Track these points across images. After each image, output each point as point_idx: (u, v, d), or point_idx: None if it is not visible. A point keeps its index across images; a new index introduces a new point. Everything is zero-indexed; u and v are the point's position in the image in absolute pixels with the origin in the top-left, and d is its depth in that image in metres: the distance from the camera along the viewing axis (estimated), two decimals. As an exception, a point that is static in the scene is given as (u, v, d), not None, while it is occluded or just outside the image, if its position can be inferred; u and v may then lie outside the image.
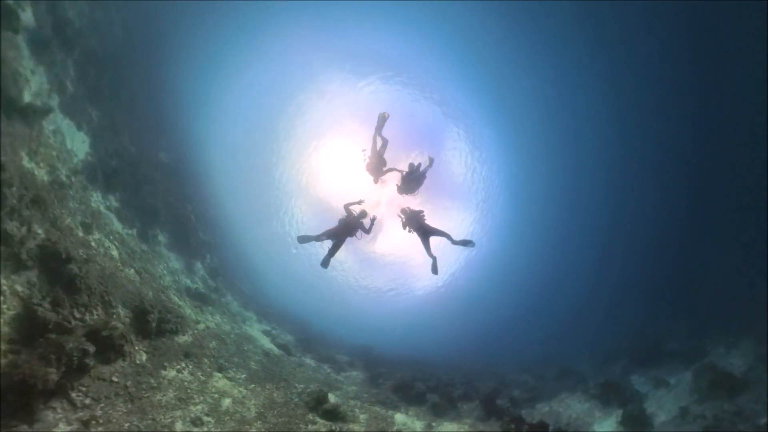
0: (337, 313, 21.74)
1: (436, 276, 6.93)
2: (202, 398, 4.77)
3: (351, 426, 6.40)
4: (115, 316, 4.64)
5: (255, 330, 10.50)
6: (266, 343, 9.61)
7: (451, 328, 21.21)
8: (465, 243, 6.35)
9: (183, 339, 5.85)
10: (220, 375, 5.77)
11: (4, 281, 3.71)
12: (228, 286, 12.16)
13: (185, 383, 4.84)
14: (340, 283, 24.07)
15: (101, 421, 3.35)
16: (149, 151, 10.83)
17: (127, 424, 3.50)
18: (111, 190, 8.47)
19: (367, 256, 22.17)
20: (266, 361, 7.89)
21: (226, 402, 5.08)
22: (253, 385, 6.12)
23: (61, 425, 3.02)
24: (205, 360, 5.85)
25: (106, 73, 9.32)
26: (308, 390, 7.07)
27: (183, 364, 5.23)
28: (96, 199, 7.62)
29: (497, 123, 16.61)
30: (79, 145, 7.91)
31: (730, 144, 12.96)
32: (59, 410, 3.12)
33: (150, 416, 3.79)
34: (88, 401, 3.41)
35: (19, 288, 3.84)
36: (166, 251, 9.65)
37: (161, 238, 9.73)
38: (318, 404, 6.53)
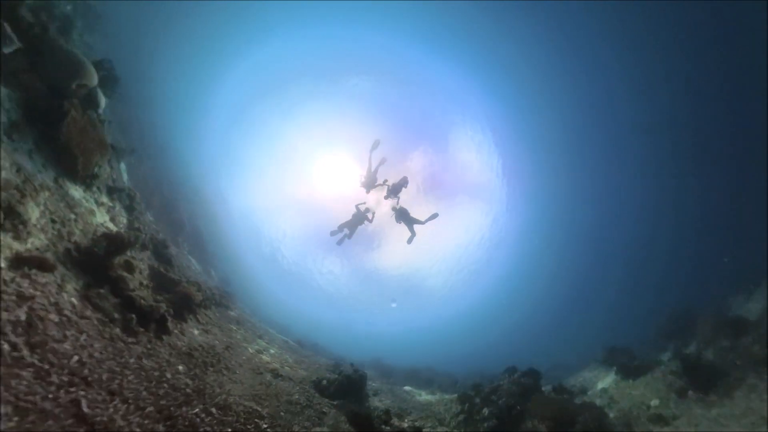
0: (343, 333, 23.93)
1: (408, 245, 10.52)
2: (256, 344, 7.56)
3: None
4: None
5: (270, 329, 13.19)
6: (283, 336, 12.29)
7: (474, 338, 23.09)
8: (432, 217, 9.83)
9: (232, 313, 8.69)
10: (260, 340, 8.53)
11: (137, 255, 6.69)
12: (237, 293, 14.95)
13: (243, 335, 7.65)
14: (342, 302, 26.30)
15: (212, 333, 6.19)
16: (161, 173, 14.04)
17: (225, 338, 6.33)
18: (149, 207, 11.56)
19: (373, 273, 24.62)
20: (289, 344, 10.61)
21: (272, 350, 7.85)
22: (285, 350, 8.86)
23: (195, 329, 5.89)
24: (249, 329, 8.64)
25: (123, 104, 12.56)
26: (326, 364, 9.76)
27: (237, 326, 8.04)
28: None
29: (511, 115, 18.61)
30: (122, 171, 11.10)
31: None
32: (192, 321, 5.99)
33: (234, 340, 6.59)
34: (204, 321, 6.26)
35: (145, 259, 6.81)
36: (188, 255, 12.60)
37: (185, 245, 12.71)
38: (336, 368, 9.21)
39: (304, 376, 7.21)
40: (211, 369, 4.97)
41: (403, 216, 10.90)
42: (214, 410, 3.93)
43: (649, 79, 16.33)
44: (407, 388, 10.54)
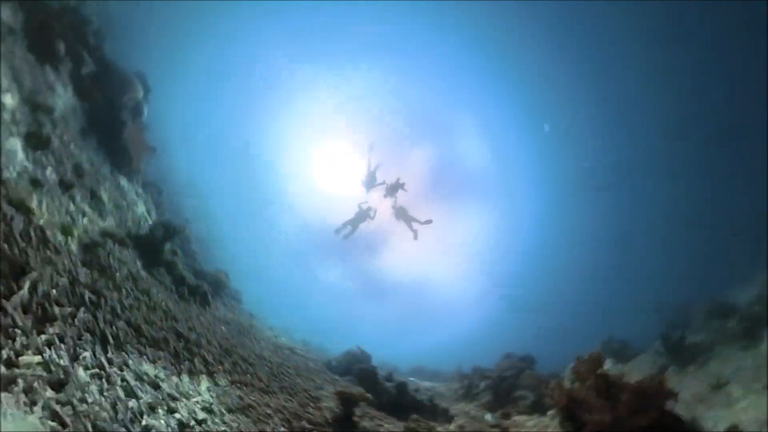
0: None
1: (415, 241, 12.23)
2: (269, 331, 8.90)
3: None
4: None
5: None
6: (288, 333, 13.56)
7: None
8: (426, 222, 11.24)
9: (244, 306, 10.03)
10: (271, 330, 9.83)
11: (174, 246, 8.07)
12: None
13: (258, 322, 9.00)
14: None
15: (235, 314, 7.54)
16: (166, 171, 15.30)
17: (246, 319, 7.67)
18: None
19: (378, 281, 25.32)
20: (295, 339, 11.88)
21: (284, 338, 9.19)
22: (294, 342, 10.18)
23: (221, 306, 7.24)
24: (260, 319, 9.95)
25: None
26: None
27: (250, 316, 9.37)
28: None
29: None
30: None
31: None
32: (218, 300, 7.35)
33: (252, 323, 7.95)
34: (229, 305, 7.62)
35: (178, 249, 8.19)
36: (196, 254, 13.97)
37: (193, 244, 14.09)
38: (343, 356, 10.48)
39: (316, 359, 8.50)
40: (244, 335, 6.31)
41: (402, 214, 12.50)
42: (254, 357, 5.26)
43: (657, 74, 17.00)
44: (412, 379, 11.69)
